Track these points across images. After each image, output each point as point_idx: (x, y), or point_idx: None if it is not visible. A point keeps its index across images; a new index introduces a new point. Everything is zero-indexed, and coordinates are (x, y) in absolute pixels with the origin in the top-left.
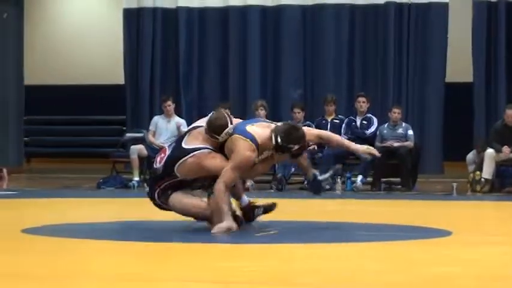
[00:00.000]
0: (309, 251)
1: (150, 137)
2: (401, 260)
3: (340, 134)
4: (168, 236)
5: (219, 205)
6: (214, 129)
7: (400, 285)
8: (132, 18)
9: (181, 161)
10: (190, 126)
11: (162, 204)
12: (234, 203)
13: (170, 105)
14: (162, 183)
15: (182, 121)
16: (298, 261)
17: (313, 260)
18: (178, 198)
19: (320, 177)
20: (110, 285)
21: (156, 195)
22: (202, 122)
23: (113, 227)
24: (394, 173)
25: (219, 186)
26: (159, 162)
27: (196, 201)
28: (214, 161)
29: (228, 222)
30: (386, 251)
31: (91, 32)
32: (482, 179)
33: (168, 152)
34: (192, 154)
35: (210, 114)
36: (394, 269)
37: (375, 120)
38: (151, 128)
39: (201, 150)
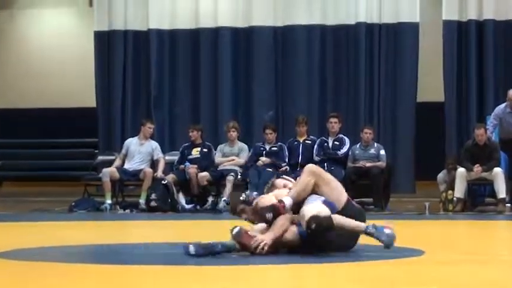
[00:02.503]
0: (283, 271)
1: (117, 161)
2: (375, 280)
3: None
4: (141, 259)
5: None
6: None
7: None
8: (103, 40)
9: None
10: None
11: None
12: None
13: (151, 127)
14: None
15: (156, 144)
16: (273, 282)
17: (288, 281)
18: None
19: None
20: None
21: None
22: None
23: (85, 250)
24: (367, 193)
25: None
26: None
27: None
28: None
29: None
30: (360, 271)
31: (62, 55)
32: (455, 198)
33: None
34: None
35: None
36: None
37: (347, 140)
38: (122, 151)
39: None
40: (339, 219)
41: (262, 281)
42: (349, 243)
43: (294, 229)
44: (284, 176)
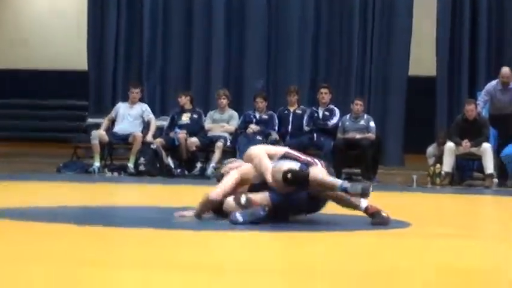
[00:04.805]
0: (265, 238)
1: (104, 122)
2: (361, 251)
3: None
4: (127, 222)
5: None
6: None
7: (359, 275)
8: (97, 2)
9: None
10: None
11: None
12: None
13: (138, 92)
14: None
15: (145, 106)
16: (260, 248)
17: (270, 248)
18: None
19: None
20: (70, 270)
21: None
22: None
23: (72, 212)
24: (355, 164)
25: None
26: None
27: None
28: None
29: None
30: (346, 241)
31: (55, 18)
32: (443, 172)
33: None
34: None
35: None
36: (353, 259)
37: (337, 111)
38: (112, 113)
39: None
40: (315, 173)
41: (250, 246)
42: (318, 206)
43: (266, 194)
44: (232, 160)
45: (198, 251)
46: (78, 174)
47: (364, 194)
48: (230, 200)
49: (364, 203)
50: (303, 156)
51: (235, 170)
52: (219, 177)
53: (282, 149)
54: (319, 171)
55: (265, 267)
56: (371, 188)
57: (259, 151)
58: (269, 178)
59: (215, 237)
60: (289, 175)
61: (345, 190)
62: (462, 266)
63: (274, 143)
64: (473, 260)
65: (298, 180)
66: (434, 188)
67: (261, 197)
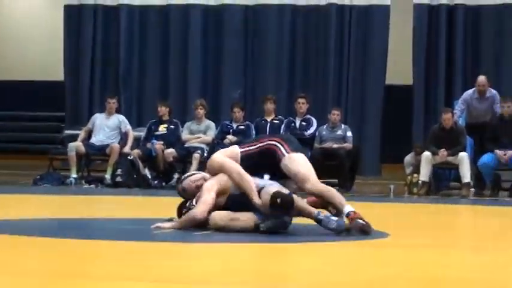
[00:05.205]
0: (246, 250)
1: (81, 133)
2: (339, 261)
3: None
4: (105, 234)
5: None
6: None
7: (337, 286)
8: (73, 14)
9: None
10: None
11: None
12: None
13: (115, 102)
14: None
15: (122, 117)
16: (236, 260)
17: (250, 260)
18: None
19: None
20: (45, 282)
21: None
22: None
23: (48, 224)
24: (332, 174)
25: None
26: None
27: None
28: None
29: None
30: (324, 251)
31: (31, 28)
32: (420, 182)
33: None
34: None
35: None
36: (331, 270)
37: (314, 121)
38: (88, 125)
39: None
40: (297, 200)
41: (224, 259)
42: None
43: (251, 214)
44: (193, 173)
45: (175, 263)
46: (54, 186)
47: (338, 232)
48: (215, 215)
49: (347, 208)
50: (255, 146)
51: (213, 182)
52: (180, 192)
53: (236, 150)
54: (301, 164)
55: (245, 279)
56: (344, 226)
57: (231, 164)
58: (255, 199)
59: (193, 249)
60: (278, 200)
61: (319, 222)
62: (440, 277)
63: None
64: (450, 270)
65: (285, 205)
66: (412, 197)
67: (248, 217)
